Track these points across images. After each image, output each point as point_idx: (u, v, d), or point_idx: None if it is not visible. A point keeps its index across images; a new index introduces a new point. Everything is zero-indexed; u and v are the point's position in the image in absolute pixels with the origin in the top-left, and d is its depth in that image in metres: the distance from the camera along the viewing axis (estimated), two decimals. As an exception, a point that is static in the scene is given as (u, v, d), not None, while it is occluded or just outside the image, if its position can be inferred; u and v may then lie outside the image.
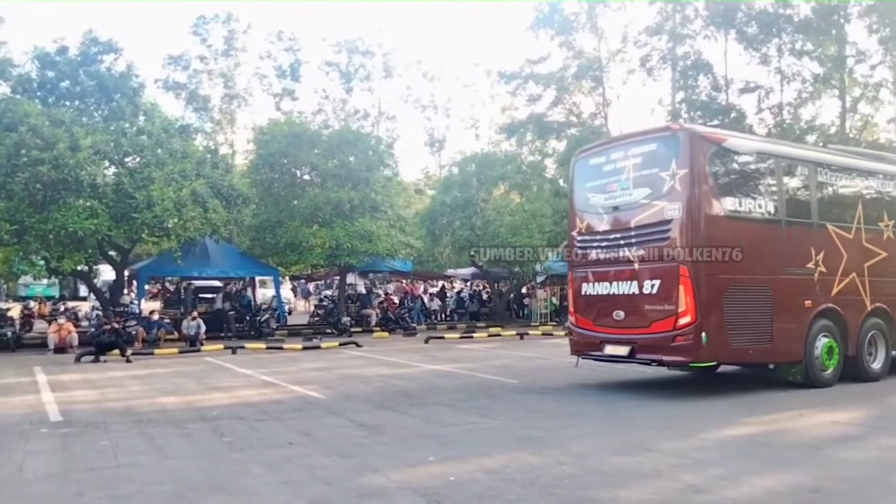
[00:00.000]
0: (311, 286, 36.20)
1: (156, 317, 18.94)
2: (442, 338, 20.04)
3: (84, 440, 7.18)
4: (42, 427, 7.94)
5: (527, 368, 13.18)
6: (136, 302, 20.69)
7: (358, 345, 17.85)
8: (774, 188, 10.09)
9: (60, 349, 16.57)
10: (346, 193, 21.37)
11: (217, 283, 23.17)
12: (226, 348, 16.91)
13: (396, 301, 25.69)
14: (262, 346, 17.57)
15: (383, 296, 26.51)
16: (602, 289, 10.11)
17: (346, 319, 22.03)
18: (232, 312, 21.01)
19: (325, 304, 25.51)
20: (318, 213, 21.57)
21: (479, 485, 5.42)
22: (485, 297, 29.33)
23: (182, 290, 23.60)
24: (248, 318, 21.20)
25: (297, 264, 23.53)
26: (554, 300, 28.74)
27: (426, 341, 19.01)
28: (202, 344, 17.53)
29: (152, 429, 7.74)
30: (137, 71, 20.42)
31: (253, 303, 22.86)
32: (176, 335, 18.50)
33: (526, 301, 29.46)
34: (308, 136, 22.69)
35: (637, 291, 9.55)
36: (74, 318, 20.69)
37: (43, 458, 6.46)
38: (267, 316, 21.13)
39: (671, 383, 11.09)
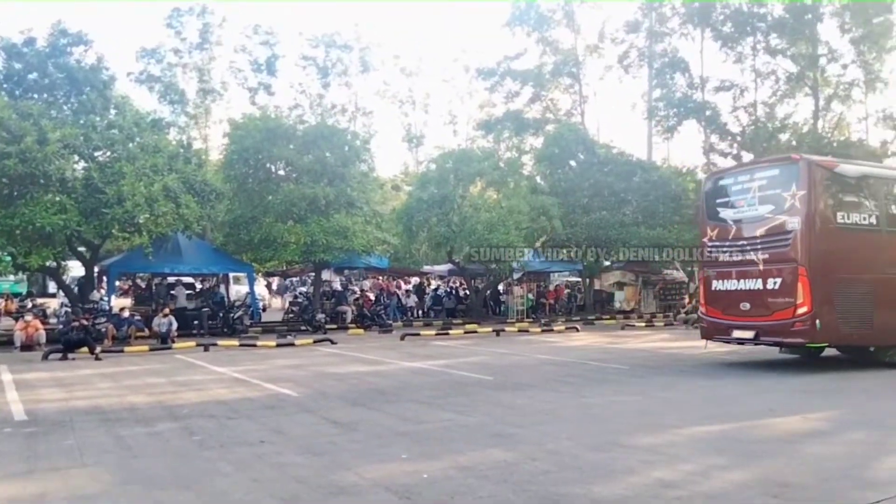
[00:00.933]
0: (274, 282, 35.72)
1: (126, 314, 18.60)
2: (418, 335, 19.98)
3: (49, 440, 7.02)
4: (5, 427, 7.74)
5: (502, 365, 13.18)
6: (105, 299, 20.32)
7: (333, 342, 17.73)
8: (876, 204, 12.09)
9: (27, 347, 16.20)
10: (321, 189, 21.17)
11: (188, 280, 22.82)
12: (198, 345, 16.67)
13: (372, 298, 25.56)
14: (235, 343, 17.36)
15: (359, 292, 26.38)
16: (730, 285, 12.38)
17: (320, 316, 21.85)
18: (206, 310, 20.74)
19: (299, 300, 25.30)
20: (292, 209, 21.34)
21: (453, 482, 5.40)
22: (461, 293, 29.34)
23: (154, 287, 23.24)
24: (221, 314, 20.93)
25: (271, 261, 23.26)
26: (531, 296, 28.81)
27: (402, 338, 18.94)
28: (174, 341, 17.28)
29: (120, 428, 7.59)
30: (108, 64, 20.07)
31: (226, 299, 22.57)
32: (147, 332, 18.19)
33: (503, 298, 29.50)
34: (283, 130, 22.43)
35: (761, 287, 11.79)
36: (42, 315, 20.25)
37: (5, 459, 6.29)
38: (240, 313, 20.89)
39: (644, 380, 11.17)
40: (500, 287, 29.76)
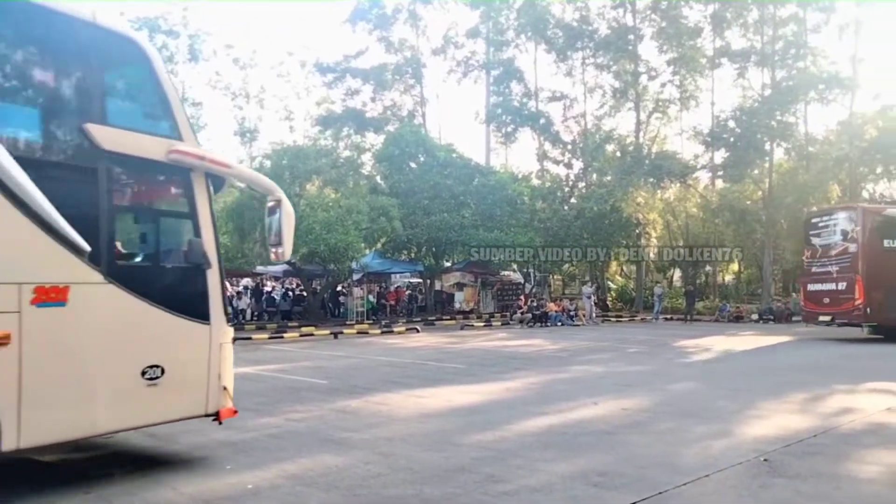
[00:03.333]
0: None
1: None
2: (249, 339, 18.99)
3: None
4: None
5: (339, 368, 12.91)
6: None
7: (156, 347, 16.40)
8: None
9: None
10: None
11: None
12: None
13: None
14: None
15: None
16: (818, 287, 19.09)
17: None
18: None
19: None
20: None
21: (279, 491, 5.14)
22: (298, 294, 28.51)
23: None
24: None
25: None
26: (371, 298, 28.62)
27: (231, 343, 17.92)
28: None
29: None
30: None
31: None
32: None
33: (342, 299, 29.08)
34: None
35: (835, 288, 18.39)
36: None
37: None
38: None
39: (479, 379, 11.42)
40: (340, 288, 29.32)
